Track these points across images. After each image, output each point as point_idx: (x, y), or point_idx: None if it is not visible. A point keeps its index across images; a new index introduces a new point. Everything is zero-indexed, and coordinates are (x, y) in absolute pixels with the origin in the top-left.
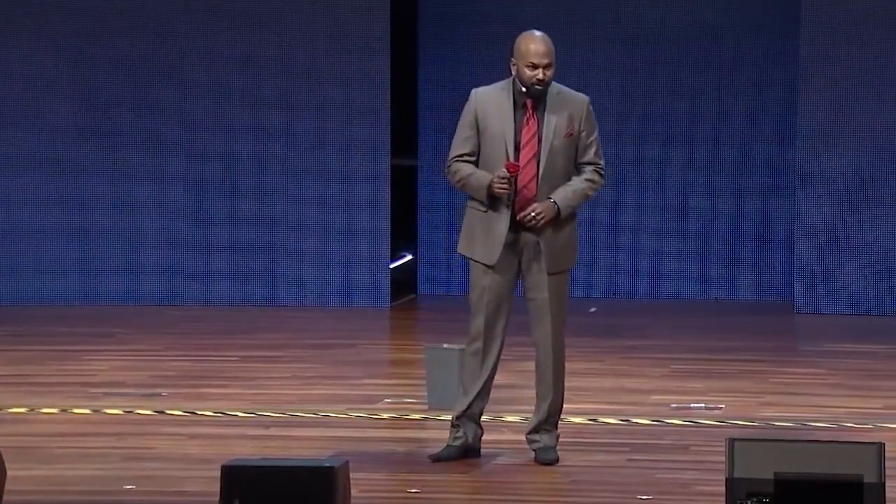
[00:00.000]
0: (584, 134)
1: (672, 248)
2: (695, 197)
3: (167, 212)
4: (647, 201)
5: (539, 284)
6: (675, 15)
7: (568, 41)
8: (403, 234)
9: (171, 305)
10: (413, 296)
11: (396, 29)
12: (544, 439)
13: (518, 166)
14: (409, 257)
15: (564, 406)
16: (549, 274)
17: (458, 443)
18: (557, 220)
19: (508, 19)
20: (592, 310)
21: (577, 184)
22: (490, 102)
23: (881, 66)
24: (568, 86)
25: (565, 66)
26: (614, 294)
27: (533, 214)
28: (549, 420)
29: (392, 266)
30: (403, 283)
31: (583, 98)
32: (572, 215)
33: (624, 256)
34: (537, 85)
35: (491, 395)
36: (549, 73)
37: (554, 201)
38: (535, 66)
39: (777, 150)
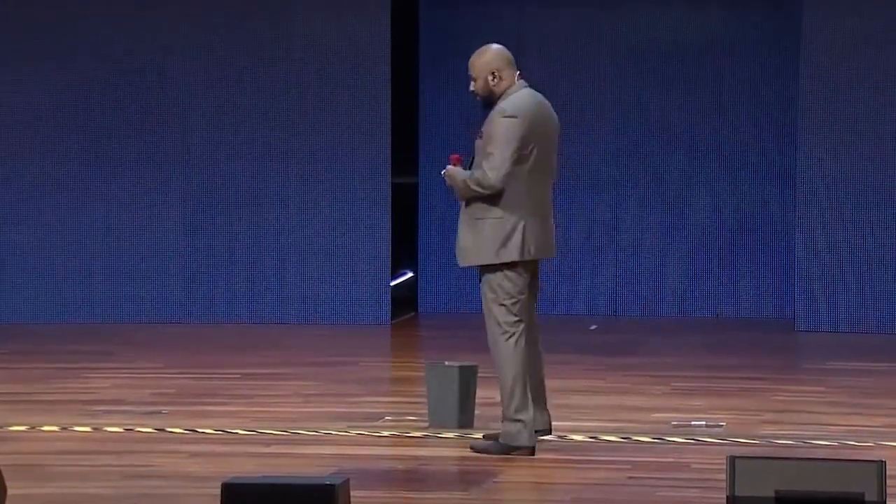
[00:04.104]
0: (486, 138)
1: (672, 265)
2: (695, 214)
3: (169, 230)
4: (647, 218)
5: None
6: (674, 32)
7: (568, 55)
8: (404, 251)
9: (172, 323)
10: (414, 313)
11: (397, 48)
12: (503, 425)
13: (455, 158)
14: (410, 275)
15: (566, 423)
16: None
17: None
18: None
19: (509, 37)
20: (593, 327)
21: (471, 172)
22: None
23: (882, 83)
24: (565, 97)
25: (565, 79)
26: (615, 312)
27: (443, 172)
28: (503, 417)
29: (393, 283)
30: (404, 300)
31: (500, 107)
32: (483, 216)
33: (624, 274)
34: (475, 98)
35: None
36: (475, 84)
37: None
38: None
39: (778, 168)
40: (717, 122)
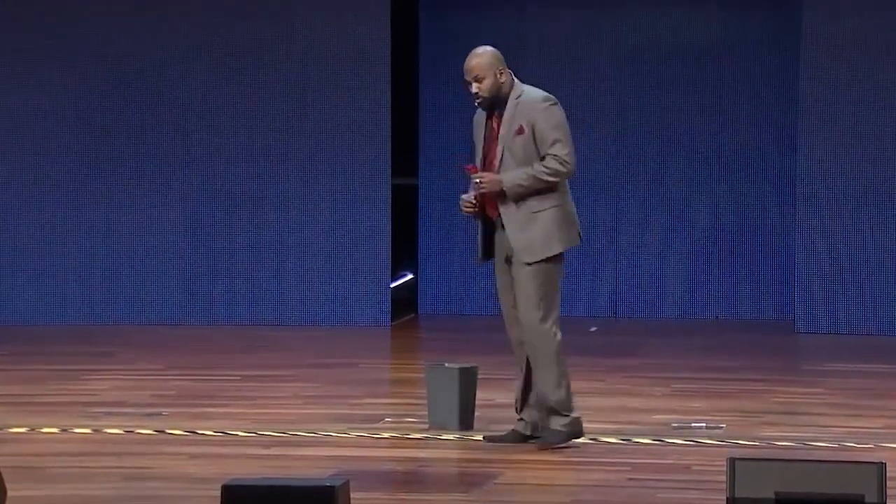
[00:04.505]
0: (538, 130)
1: (672, 267)
2: (695, 216)
3: (168, 231)
4: (647, 220)
5: (517, 275)
6: (675, 34)
7: (569, 56)
8: (404, 253)
9: (172, 325)
10: (413, 315)
11: (397, 50)
12: (548, 422)
13: (473, 168)
14: (410, 276)
15: None
16: (523, 264)
17: (519, 427)
18: (504, 197)
19: (509, 37)
20: (593, 329)
21: (531, 167)
22: (477, 119)
23: (880, 87)
24: (565, 98)
25: (565, 80)
26: (615, 313)
27: (478, 180)
28: (543, 407)
29: (393, 285)
30: (404, 302)
31: (537, 97)
32: (542, 207)
33: (624, 276)
34: (475, 100)
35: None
36: (480, 86)
37: (501, 176)
38: (468, 83)
39: (777, 169)
40: (717, 123)
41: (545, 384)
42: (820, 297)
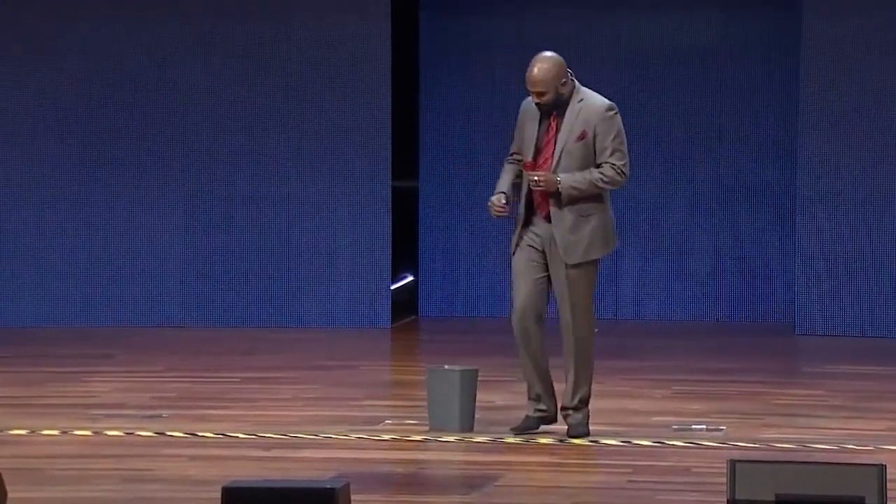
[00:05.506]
0: (598, 137)
1: (672, 269)
2: (695, 218)
3: (168, 232)
4: (648, 223)
5: (558, 274)
6: (675, 36)
7: (568, 57)
8: (404, 255)
9: (171, 326)
10: (414, 317)
11: (397, 52)
12: (574, 416)
13: (531, 164)
14: (410, 278)
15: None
16: (566, 265)
17: (537, 415)
18: (559, 198)
19: (508, 42)
20: (595, 331)
21: (589, 173)
22: (528, 110)
23: (881, 89)
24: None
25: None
26: (615, 315)
27: (536, 178)
28: (575, 406)
29: (393, 287)
30: (404, 304)
31: (601, 104)
32: (591, 212)
33: (625, 277)
34: (540, 107)
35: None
36: (544, 98)
37: (558, 177)
38: (531, 92)
39: (777, 171)
40: (717, 124)
41: (585, 379)
42: (820, 299)
